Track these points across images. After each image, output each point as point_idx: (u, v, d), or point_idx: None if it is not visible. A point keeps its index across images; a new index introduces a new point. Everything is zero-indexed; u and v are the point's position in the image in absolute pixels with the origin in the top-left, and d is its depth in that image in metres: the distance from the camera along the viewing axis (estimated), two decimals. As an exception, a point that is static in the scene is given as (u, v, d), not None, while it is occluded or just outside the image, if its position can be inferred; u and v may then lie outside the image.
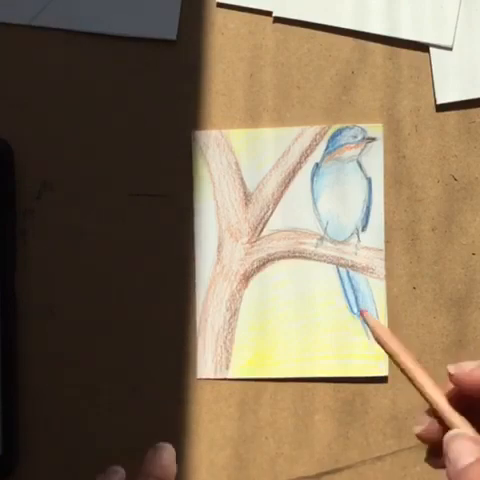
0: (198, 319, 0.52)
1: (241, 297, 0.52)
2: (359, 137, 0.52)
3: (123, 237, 0.53)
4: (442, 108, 0.52)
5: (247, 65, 0.52)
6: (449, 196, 0.52)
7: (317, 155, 0.52)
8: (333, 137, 0.52)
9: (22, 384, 0.52)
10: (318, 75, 0.52)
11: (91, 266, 0.53)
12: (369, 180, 0.52)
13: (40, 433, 0.53)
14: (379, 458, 0.52)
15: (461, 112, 0.52)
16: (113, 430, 0.52)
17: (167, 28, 0.52)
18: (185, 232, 0.53)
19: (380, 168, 0.52)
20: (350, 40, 0.52)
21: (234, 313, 0.52)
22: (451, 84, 0.51)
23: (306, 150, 0.52)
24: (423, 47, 0.52)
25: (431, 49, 0.52)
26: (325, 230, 0.52)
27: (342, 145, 0.52)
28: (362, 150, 0.52)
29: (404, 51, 0.52)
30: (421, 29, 0.52)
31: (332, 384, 0.52)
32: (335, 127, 0.52)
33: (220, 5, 0.52)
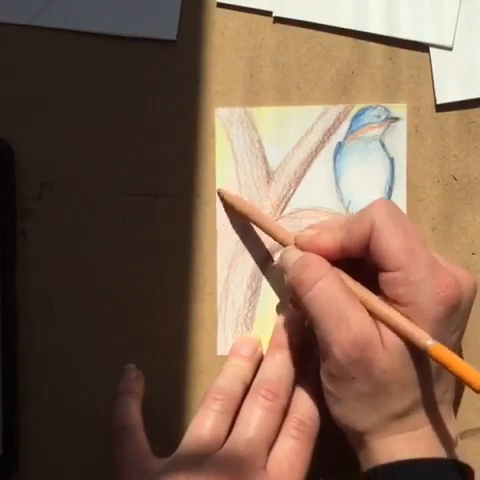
0: (219, 297, 0.53)
1: (262, 275, 0.53)
2: (382, 117, 0.52)
3: (123, 237, 0.53)
4: (442, 108, 0.52)
5: (247, 65, 0.52)
6: (449, 196, 0.52)
7: (340, 134, 0.52)
8: (356, 116, 0.52)
9: (22, 384, 0.52)
10: (318, 75, 0.52)
11: (91, 266, 0.53)
12: (392, 160, 0.52)
13: (40, 433, 0.53)
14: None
15: (461, 112, 0.52)
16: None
17: (167, 28, 0.52)
18: (185, 232, 0.53)
19: (403, 148, 0.52)
20: (350, 40, 0.52)
21: (255, 291, 0.53)
22: (451, 84, 0.51)
23: (329, 129, 0.52)
24: (423, 47, 0.52)
25: (431, 49, 0.52)
26: (347, 209, 0.52)
27: (365, 124, 0.52)
28: (385, 130, 0.52)
29: (404, 51, 0.52)
30: (421, 29, 0.52)
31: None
32: (359, 106, 0.52)
33: (220, 5, 0.52)
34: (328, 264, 0.47)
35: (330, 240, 0.47)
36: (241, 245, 0.53)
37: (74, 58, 0.53)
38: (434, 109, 0.52)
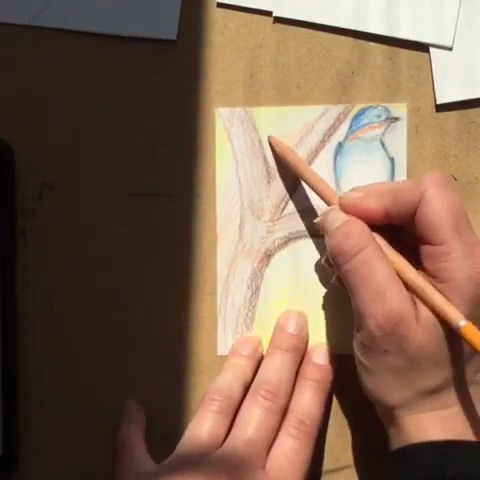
0: (219, 297, 0.53)
1: (262, 275, 0.53)
2: (383, 117, 0.52)
3: (123, 237, 0.53)
4: (442, 108, 0.52)
5: (247, 65, 0.52)
6: (449, 196, 0.52)
7: (340, 134, 0.52)
8: (357, 116, 0.52)
9: (22, 384, 0.52)
10: (318, 75, 0.52)
11: (91, 266, 0.53)
12: (392, 160, 0.52)
13: (40, 433, 0.53)
14: (379, 458, 0.52)
15: (461, 112, 0.52)
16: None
17: (167, 28, 0.52)
18: (185, 232, 0.53)
19: (403, 148, 0.52)
20: (350, 40, 0.52)
21: (255, 291, 0.53)
22: (451, 84, 0.51)
23: (329, 129, 0.52)
24: (423, 47, 0.52)
25: (431, 49, 0.52)
26: None
27: (366, 124, 0.52)
28: (385, 130, 0.52)
29: (404, 51, 0.52)
30: (421, 29, 0.52)
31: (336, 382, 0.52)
32: (359, 106, 0.52)
33: (220, 5, 0.52)
34: (370, 234, 0.46)
35: (375, 204, 0.47)
36: (241, 245, 0.53)
37: (74, 58, 0.53)
38: (434, 109, 0.52)
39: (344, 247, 0.46)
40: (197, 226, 0.53)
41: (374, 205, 0.47)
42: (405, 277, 0.46)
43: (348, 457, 0.52)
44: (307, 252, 0.52)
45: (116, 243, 0.53)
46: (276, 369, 0.50)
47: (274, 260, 0.53)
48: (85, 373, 0.53)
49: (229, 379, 0.50)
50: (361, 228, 0.46)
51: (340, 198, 0.48)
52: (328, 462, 0.52)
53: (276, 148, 0.52)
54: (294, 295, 0.53)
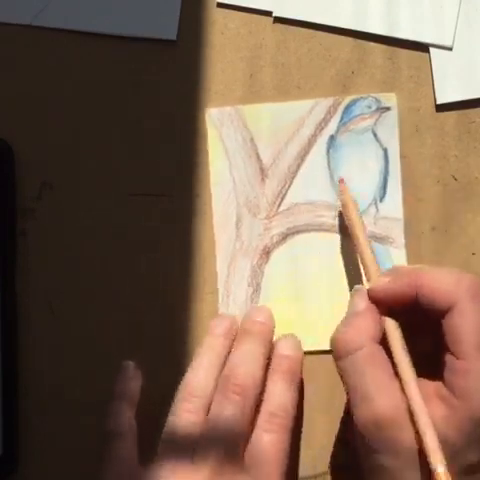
0: (220, 296, 0.53)
1: (262, 272, 0.53)
2: (373, 107, 0.52)
3: (123, 237, 0.53)
4: (442, 108, 0.52)
5: (247, 65, 0.52)
6: (449, 196, 0.52)
7: (332, 127, 0.52)
8: (347, 108, 0.52)
9: (22, 384, 0.52)
10: (318, 75, 0.52)
11: (91, 266, 0.53)
12: (385, 150, 0.52)
13: (40, 433, 0.53)
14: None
15: (461, 112, 0.52)
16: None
17: (167, 28, 0.52)
18: (185, 232, 0.53)
19: (395, 138, 0.52)
20: (350, 40, 0.52)
21: (256, 288, 0.53)
22: (451, 84, 0.52)
23: (321, 122, 0.52)
24: (423, 47, 0.52)
25: (431, 49, 0.52)
26: None
27: (357, 116, 0.52)
28: (377, 120, 0.52)
29: (404, 51, 0.52)
30: (421, 29, 0.52)
31: (331, 383, 0.52)
32: (349, 98, 0.52)
33: (220, 5, 0.52)
34: (372, 334, 0.45)
35: (404, 291, 0.45)
36: (239, 243, 0.53)
37: (74, 58, 0.53)
38: (434, 109, 0.52)
39: (340, 343, 0.46)
40: (197, 226, 0.53)
41: (402, 291, 0.46)
42: (406, 392, 0.44)
43: (348, 458, 0.52)
44: (306, 247, 0.52)
45: (116, 243, 0.53)
46: (244, 359, 0.49)
47: (273, 256, 0.53)
48: (85, 373, 0.53)
49: (204, 371, 0.49)
50: (365, 326, 0.46)
51: (369, 289, 0.47)
52: (327, 463, 0.52)
53: (342, 197, 0.51)
54: (295, 291, 0.52)
